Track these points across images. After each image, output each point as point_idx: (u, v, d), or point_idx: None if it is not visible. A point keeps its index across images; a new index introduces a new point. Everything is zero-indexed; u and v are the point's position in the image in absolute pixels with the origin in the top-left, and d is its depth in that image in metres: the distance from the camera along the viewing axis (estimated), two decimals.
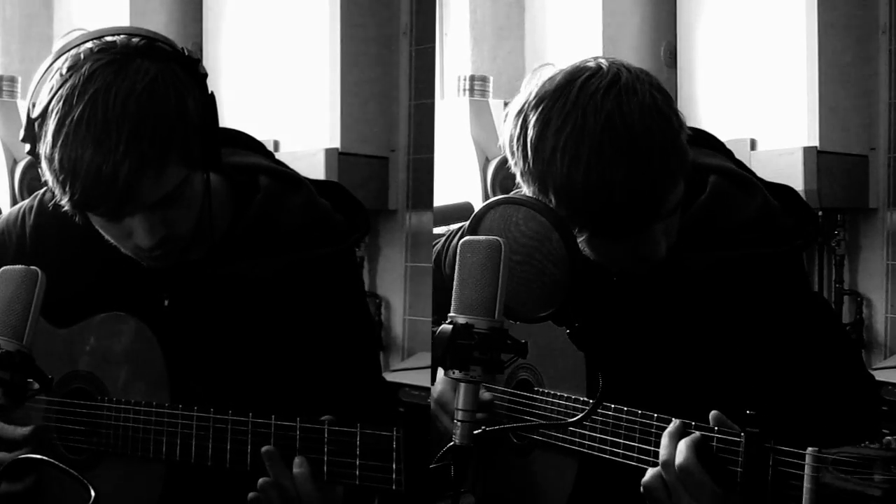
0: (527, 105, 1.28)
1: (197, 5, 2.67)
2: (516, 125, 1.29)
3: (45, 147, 1.22)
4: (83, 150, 1.19)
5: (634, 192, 1.22)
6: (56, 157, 1.21)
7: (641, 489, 1.26)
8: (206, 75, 1.30)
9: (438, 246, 1.79)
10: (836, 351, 1.39)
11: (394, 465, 1.23)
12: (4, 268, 1.27)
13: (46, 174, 1.25)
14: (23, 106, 1.63)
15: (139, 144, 1.19)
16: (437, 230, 1.87)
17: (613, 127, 1.22)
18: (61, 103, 1.20)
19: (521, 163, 1.28)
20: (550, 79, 1.28)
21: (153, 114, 1.21)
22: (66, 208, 1.27)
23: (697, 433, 1.21)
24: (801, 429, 1.28)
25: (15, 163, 2.41)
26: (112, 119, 1.19)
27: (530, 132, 1.26)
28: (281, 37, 2.55)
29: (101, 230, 1.33)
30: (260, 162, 1.50)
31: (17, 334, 1.22)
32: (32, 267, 1.26)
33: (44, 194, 1.50)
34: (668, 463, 1.21)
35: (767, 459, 1.15)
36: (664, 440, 1.23)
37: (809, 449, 1.11)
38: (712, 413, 1.22)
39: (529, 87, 1.29)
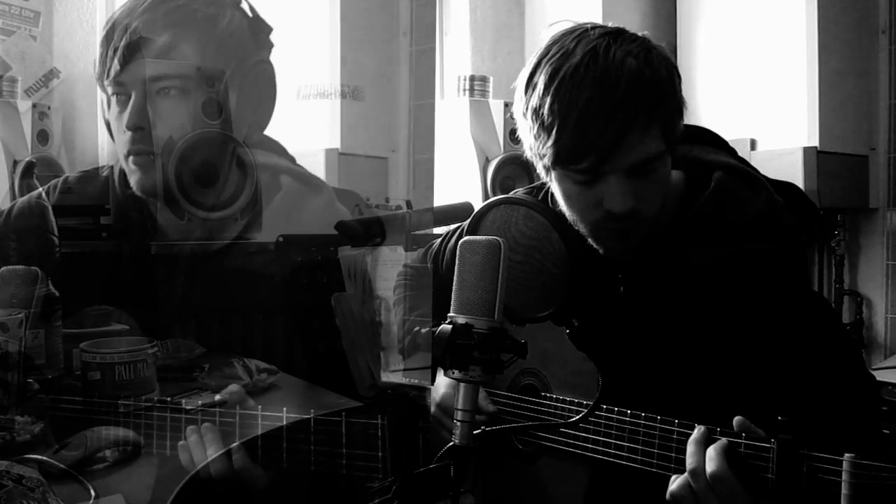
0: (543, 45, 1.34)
1: None
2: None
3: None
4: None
5: (591, 115, 1.23)
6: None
7: (668, 497, 1.23)
8: None
9: (435, 246, 1.79)
10: (837, 350, 1.38)
11: (380, 454, 1.22)
12: (4, 268, 1.28)
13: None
14: (24, 106, 1.63)
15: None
16: (437, 230, 1.87)
17: (595, 56, 1.25)
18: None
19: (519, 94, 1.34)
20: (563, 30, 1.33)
21: None
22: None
23: (724, 440, 1.20)
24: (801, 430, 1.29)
25: (15, 163, 2.41)
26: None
27: (530, 67, 1.32)
28: (281, 37, 2.55)
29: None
30: (279, 162, 1.53)
31: (19, 334, 1.23)
32: (33, 267, 1.27)
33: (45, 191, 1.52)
34: (697, 471, 1.19)
35: (801, 466, 1.13)
36: (690, 447, 1.21)
37: (847, 455, 1.09)
38: (737, 419, 1.20)
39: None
